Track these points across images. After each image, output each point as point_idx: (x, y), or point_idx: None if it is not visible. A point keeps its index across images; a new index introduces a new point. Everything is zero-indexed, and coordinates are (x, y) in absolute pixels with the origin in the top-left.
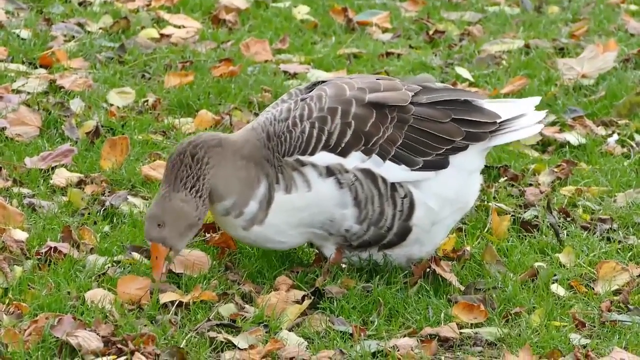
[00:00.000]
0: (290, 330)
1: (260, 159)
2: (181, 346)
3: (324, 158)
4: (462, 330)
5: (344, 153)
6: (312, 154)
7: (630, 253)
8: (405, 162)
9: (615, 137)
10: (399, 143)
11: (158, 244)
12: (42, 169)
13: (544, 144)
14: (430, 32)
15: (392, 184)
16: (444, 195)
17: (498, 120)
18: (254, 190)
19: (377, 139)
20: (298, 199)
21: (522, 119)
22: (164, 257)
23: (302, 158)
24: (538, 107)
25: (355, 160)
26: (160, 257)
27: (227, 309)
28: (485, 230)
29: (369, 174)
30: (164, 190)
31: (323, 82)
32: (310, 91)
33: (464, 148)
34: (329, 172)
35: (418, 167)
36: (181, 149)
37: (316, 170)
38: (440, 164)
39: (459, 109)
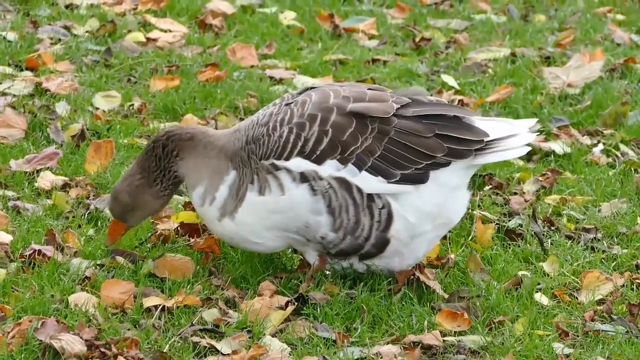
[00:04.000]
0: (273, 336)
1: (233, 155)
2: (164, 351)
3: (298, 164)
4: (445, 338)
5: (318, 160)
6: (287, 159)
7: (615, 263)
8: (382, 174)
9: (601, 146)
10: (377, 154)
11: (120, 222)
12: (27, 172)
13: (529, 153)
14: (417, 40)
15: (370, 194)
16: (424, 210)
17: (485, 139)
18: (224, 177)
19: (354, 149)
20: (271, 202)
21: (512, 139)
22: (122, 232)
23: (277, 162)
24: (523, 117)
25: (330, 169)
26: (118, 232)
27: (210, 314)
28: (470, 238)
29: (343, 182)
30: (138, 180)
31: (314, 88)
32: (299, 96)
33: (446, 164)
34: (303, 178)
35: (395, 179)
36: (156, 138)
37: (290, 175)
38: (419, 179)
39: (446, 124)
